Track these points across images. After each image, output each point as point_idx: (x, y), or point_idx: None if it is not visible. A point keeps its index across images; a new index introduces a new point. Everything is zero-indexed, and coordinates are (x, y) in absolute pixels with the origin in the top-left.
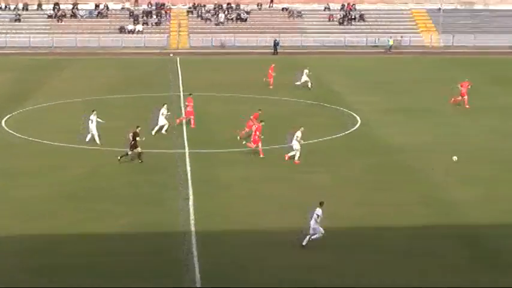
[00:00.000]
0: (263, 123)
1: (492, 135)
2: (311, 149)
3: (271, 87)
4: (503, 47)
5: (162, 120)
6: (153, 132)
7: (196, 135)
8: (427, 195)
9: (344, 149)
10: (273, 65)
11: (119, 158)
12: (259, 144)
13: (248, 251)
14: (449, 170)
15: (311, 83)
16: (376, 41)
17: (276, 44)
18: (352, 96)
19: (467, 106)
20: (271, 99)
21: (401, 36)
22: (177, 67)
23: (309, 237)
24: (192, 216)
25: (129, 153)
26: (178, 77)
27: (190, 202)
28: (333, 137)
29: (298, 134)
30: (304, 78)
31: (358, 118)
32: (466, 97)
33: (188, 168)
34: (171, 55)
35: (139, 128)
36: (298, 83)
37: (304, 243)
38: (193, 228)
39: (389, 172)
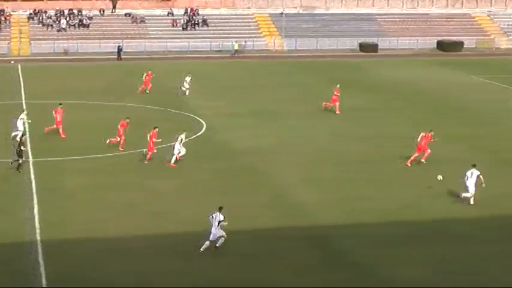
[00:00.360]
0: (157, 129)
1: (334, 137)
2: (159, 155)
3: (148, 91)
4: (345, 50)
5: (21, 126)
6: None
7: (41, 143)
8: (273, 198)
9: (191, 154)
10: (150, 72)
11: (17, 170)
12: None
13: (95, 258)
14: (293, 172)
15: (188, 90)
16: (220, 46)
17: (119, 50)
18: (197, 101)
19: (337, 112)
20: (118, 105)
21: (245, 41)
22: (19, 74)
23: (210, 244)
24: (37, 225)
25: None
26: (20, 85)
27: (35, 211)
28: None
29: (182, 136)
30: (186, 85)
31: (203, 123)
32: (331, 104)
33: (32, 177)
34: (12, 62)
35: (24, 137)
36: (183, 88)
37: (217, 245)
38: (39, 238)
39: (237, 175)
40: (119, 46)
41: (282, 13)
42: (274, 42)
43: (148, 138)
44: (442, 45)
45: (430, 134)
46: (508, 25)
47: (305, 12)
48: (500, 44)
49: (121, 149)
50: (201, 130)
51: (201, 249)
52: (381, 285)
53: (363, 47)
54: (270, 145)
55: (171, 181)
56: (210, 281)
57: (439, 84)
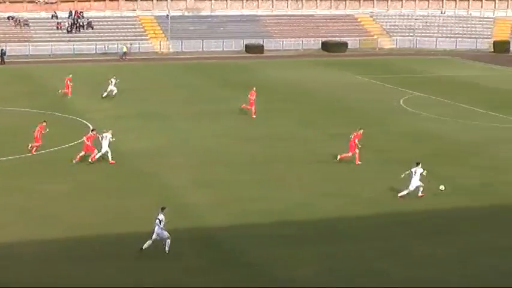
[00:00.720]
0: (94, 131)
1: (223, 139)
2: (48, 159)
3: (69, 96)
4: (231, 51)
5: None
6: None
7: None
8: (163, 200)
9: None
10: (71, 76)
11: None
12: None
13: None
14: (183, 174)
15: (115, 91)
16: (106, 48)
17: (2, 54)
18: (84, 104)
19: (253, 116)
20: (2, 110)
21: (131, 43)
22: None
23: (151, 242)
24: None
25: None
26: None
27: None
28: (68, 145)
29: (109, 135)
30: (111, 87)
31: (90, 126)
32: (249, 107)
33: None
34: None
35: None
36: (108, 91)
37: (144, 247)
38: None
39: (126, 178)
40: (2, 50)
41: (167, 15)
42: (160, 44)
43: (85, 139)
44: (326, 46)
45: (360, 133)
46: (390, 26)
47: (190, 14)
48: (383, 44)
49: (32, 153)
50: (88, 133)
51: (143, 247)
52: (273, 285)
53: (249, 48)
54: (159, 147)
55: (62, 185)
56: (100, 284)
57: (324, 85)
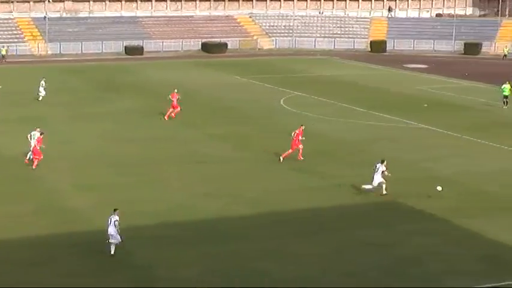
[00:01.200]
0: (42, 134)
1: (105, 141)
2: None
3: None
4: (111, 53)
5: None
6: None
7: None
8: (46, 204)
9: None
10: None
11: None
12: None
13: None
14: (65, 177)
15: (43, 95)
16: None
17: None
18: None
19: (173, 115)
20: None
21: (8, 46)
22: None
23: (112, 244)
24: None
25: None
26: None
27: None
28: None
29: (37, 134)
30: (42, 89)
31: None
32: (178, 109)
33: None
34: None
35: None
36: (40, 94)
37: (112, 253)
38: None
39: (7, 183)
40: None
41: (45, 17)
42: (38, 47)
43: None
44: (206, 47)
45: (301, 129)
46: (269, 26)
47: (69, 15)
48: (262, 44)
49: None
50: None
51: (112, 253)
52: (157, 285)
53: (129, 50)
54: (43, 151)
55: None
56: None
57: (204, 85)
